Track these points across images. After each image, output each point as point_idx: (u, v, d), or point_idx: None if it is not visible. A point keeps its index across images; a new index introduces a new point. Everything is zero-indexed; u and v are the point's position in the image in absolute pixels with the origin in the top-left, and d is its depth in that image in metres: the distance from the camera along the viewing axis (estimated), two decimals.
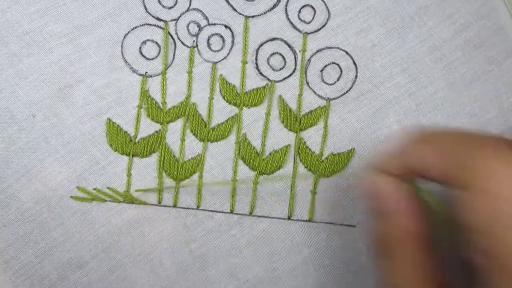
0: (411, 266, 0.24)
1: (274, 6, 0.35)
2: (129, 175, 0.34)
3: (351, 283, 0.36)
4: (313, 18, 0.36)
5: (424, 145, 0.24)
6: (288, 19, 0.36)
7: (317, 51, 0.36)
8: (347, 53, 0.36)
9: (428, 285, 0.24)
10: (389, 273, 0.25)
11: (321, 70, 0.36)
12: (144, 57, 0.34)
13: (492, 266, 0.20)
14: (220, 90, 0.35)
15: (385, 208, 0.25)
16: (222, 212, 0.35)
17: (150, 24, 0.34)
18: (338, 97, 0.36)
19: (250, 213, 0.35)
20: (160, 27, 0.34)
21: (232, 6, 0.35)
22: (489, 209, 0.20)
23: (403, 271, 0.24)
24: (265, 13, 0.35)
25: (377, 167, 0.26)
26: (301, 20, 0.36)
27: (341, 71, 0.36)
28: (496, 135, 0.23)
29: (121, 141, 0.34)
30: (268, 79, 0.35)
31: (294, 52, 0.36)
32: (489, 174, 0.20)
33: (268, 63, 0.35)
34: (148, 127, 0.34)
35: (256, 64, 0.35)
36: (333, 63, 0.36)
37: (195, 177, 0.35)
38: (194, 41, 0.35)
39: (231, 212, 0.35)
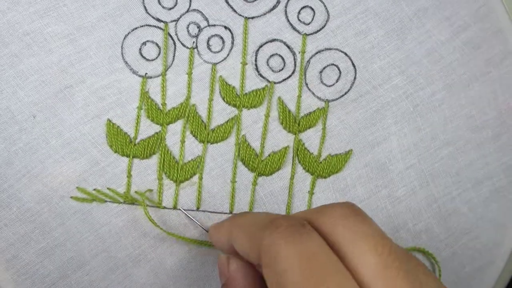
0: None
1: (274, 7, 0.36)
2: (129, 176, 0.34)
3: None
4: (312, 19, 0.36)
5: (233, 228, 0.28)
6: (288, 20, 0.36)
7: (316, 53, 0.36)
8: (346, 54, 0.36)
9: None
10: None
11: (320, 72, 0.36)
12: (144, 58, 0.34)
13: None
14: (220, 92, 0.35)
15: (221, 281, 0.30)
16: (221, 213, 0.35)
17: (150, 25, 0.34)
18: (337, 99, 0.36)
19: None
20: (160, 28, 0.34)
21: (232, 7, 0.35)
22: (275, 282, 0.22)
23: None
24: (264, 14, 0.36)
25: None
26: (301, 21, 0.36)
27: (340, 73, 0.36)
28: (284, 216, 0.25)
29: (121, 142, 0.34)
30: (268, 81, 0.36)
31: (294, 54, 0.36)
32: (269, 250, 0.23)
33: (268, 65, 0.36)
34: (148, 129, 0.34)
35: (256, 65, 0.36)
36: (332, 64, 0.36)
37: (195, 178, 0.35)
38: (194, 42, 0.35)
39: (231, 212, 0.35)
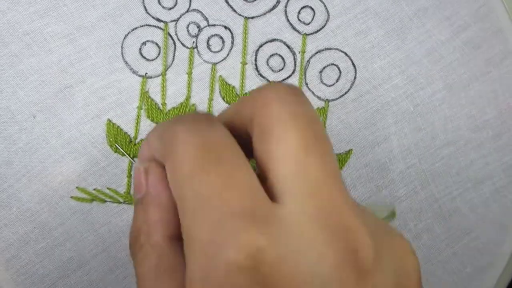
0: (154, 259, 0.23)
1: (274, 7, 0.36)
2: (129, 176, 0.34)
3: None
4: (312, 19, 0.36)
5: (151, 134, 0.24)
6: (288, 20, 0.36)
7: (316, 52, 0.36)
8: (346, 54, 0.36)
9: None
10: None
11: (320, 71, 0.36)
12: (144, 58, 0.34)
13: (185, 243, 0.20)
14: (220, 91, 0.35)
15: (136, 195, 0.25)
16: None
17: (150, 25, 0.34)
18: (337, 99, 0.36)
19: None
20: (160, 28, 0.35)
21: (231, 7, 0.35)
22: (170, 174, 0.20)
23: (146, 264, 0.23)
24: (264, 14, 0.36)
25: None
26: (301, 21, 0.36)
27: (340, 72, 0.36)
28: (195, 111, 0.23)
29: (121, 142, 0.34)
30: (268, 80, 0.36)
31: (294, 53, 0.36)
32: (169, 142, 0.21)
33: (268, 64, 0.36)
34: (148, 128, 0.34)
35: (256, 65, 0.36)
36: (332, 64, 0.36)
37: None
38: (194, 42, 0.35)
39: None
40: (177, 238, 0.23)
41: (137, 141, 0.34)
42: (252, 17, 0.35)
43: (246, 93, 0.35)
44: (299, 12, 0.36)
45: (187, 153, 0.20)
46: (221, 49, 0.35)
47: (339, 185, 0.19)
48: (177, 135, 0.20)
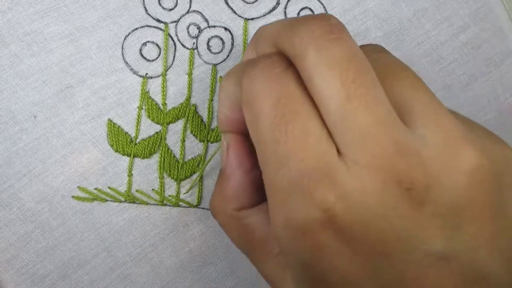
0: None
1: (274, 8, 0.36)
2: (130, 175, 0.34)
3: None
4: None
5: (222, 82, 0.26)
6: None
7: None
8: None
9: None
10: None
11: None
12: (145, 58, 0.34)
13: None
14: None
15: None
16: None
17: (151, 26, 0.35)
18: None
19: None
20: (161, 29, 0.35)
21: (232, 9, 0.35)
22: (251, 123, 0.22)
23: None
24: (264, 15, 0.36)
25: None
26: None
27: None
28: (264, 55, 0.23)
29: (122, 141, 0.34)
30: None
31: None
32: (246, 89, 0.22)
33: None
34: (148, 128, 0.35)
35: None
36: None
37: (195, 176, 0.35)
38: (194, 43, 0.35)
39: None
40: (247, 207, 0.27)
41: (137, 140, 0.34)
42: (252, 19, 0.36)
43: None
44: (298, 14, 0.36)
45: (265, 108, 0.21)
46: (221, 51, 0.35)
47: (387, 128, 0.20)
48: (255, 85, 0.21)
